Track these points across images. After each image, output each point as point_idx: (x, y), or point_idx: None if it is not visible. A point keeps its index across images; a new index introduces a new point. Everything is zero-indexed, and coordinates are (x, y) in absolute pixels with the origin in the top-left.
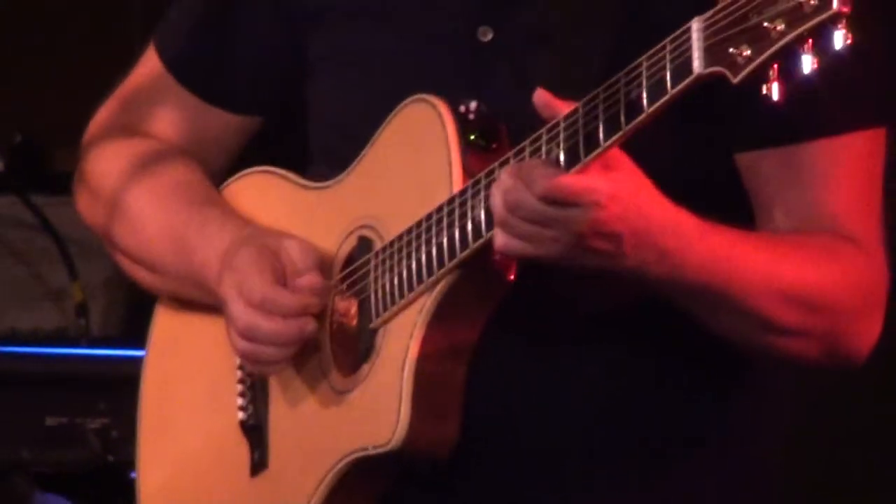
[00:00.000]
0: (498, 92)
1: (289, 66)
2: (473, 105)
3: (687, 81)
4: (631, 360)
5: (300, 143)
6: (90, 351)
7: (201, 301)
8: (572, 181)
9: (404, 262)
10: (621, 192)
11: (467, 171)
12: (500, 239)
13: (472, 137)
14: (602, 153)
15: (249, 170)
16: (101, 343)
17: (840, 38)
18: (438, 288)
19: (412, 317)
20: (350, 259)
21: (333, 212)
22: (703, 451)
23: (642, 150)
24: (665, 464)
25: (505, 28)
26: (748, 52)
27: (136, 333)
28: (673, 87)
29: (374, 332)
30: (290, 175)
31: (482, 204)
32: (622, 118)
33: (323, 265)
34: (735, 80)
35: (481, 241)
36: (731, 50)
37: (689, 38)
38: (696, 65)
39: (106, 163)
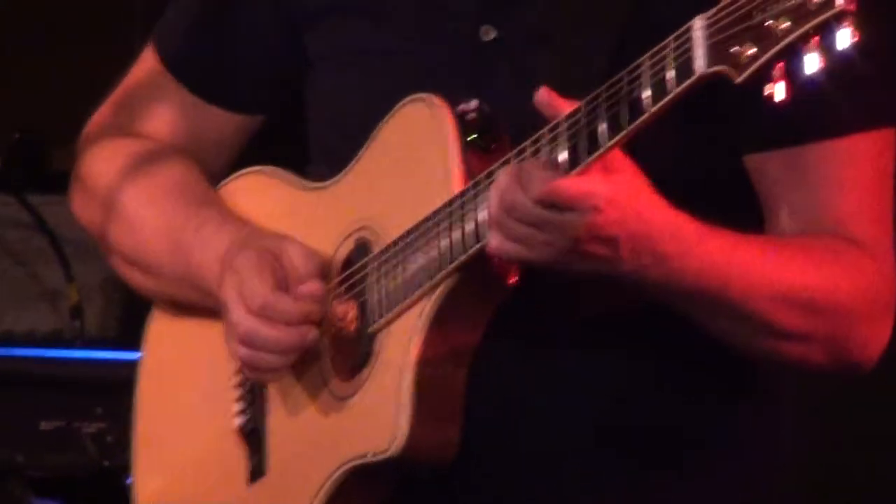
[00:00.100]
0: (499, 91)
1: (289, 64)
2: (474, 104)
3: (690, 81)
4: (630, 364)
5: (299, 142)
6: (85, 354)
7: (198, 304)
8: (569, 185)
9: (403, 265)
10: (620, 196)
11: (467, 172)
12: (495, 240)
13: (472, 138)
14: (604, 154)
15: (246, 170)
16: (96, 346)
17: (846, 37)
18: (438, 291)
19: (411, 321)
20: (348, 262)
21: (331, 213)
22: (703, 455)
23: (644, 152)
24: (665, 468)
25: (507, 27)
26: (752, 50)
27: (133, 336)
28: (675, 86)
29: (374, 336)
30: (288, 175)
31: (482, 206)
32: (624, 118)
33: (323, 269)
34: (738, 80)
35: (481, 243)
36: (734, 49)
37: (691, 37)
38: (699, 64)
39: (101, 163)
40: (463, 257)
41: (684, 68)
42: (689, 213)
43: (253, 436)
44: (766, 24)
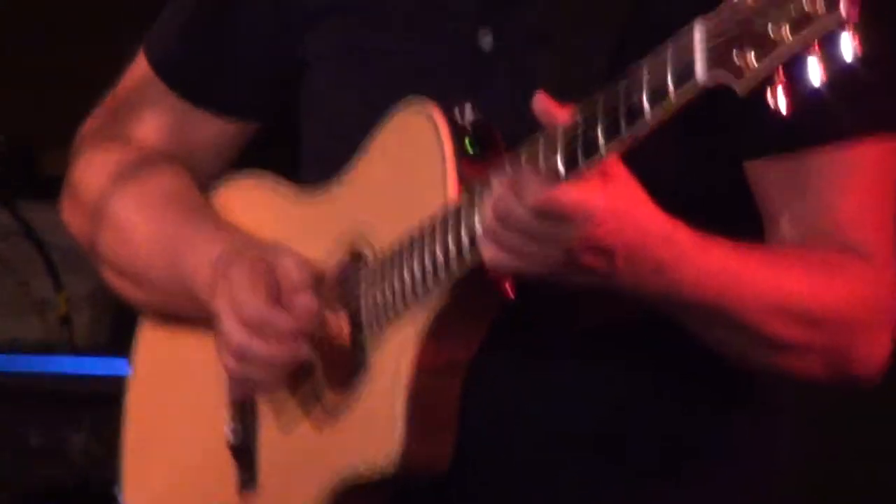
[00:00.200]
0: (498, 94)
1: (284, 68)
2: (469, 110)
3: (688, 87)
4: (628, 374)
5: (291, 146)
6: (74, 366)
7: (190, 314)
8: (564, 195)
9: (397, 275)
10: (616, 206)
11: (462, 180)
12: (489, 251)
13: (467, 145)
14: (600, 162)
15: (237, 175)
16: (85, 357)
17: (849, 44)
18: (433, 302)
19: (405, 333)
20: (341, 271)
21: (324, 221)
22: (700, 465)
23: (642, 162)
24: (662, 477)
25: (505, 29)
26: (752, 57)
27: (122, 346)
28: (674, 92)
29: (366, 348)
30: (280, 181)
31: (477, 215)
32: (622, 124)
33: (317, 280)
34: (738, 87)
35: (475, 253)
36: (734, 55)
37: (690, 41)
38: (699, 69)
39: (91, 171)
40: (457, 267)
41: (683, 74)
42: (688, 225)
43: (243, 449)
44: (767, 29)
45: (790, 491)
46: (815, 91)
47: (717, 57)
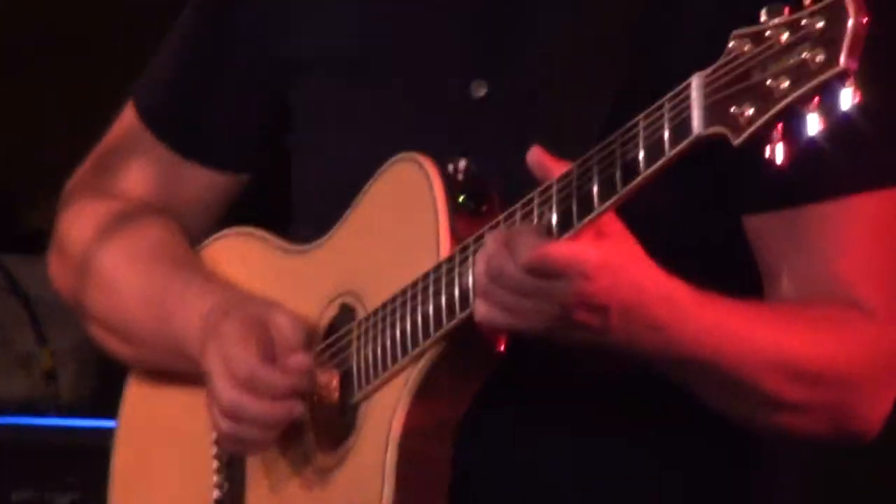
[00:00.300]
0: (490, 149)
1: (274, 119)
2: (462, 164)
3: (686, 142)
4: (623, 434)
5: (282, 200)
6: (59, 421)
7: (179, 370)
8: (558, 251)
9: (388, 332)
10: (612, 263)
11: (455, 236)
12: (481, 309)
13: (461, 200)
14: (596, 217)
15: (226, 230)
16: (70, 412)
17: (848, 97)
18: (424, 360)
19: (396, 391)
20: (332, 327)
21: (315, 277)
22: None
23: (638, 216)
24: None
25: (499, 82)
26: (750, 111)
27: (108, 403)
28: (671, 147)
29: (357, 405)
30: (270, 236)
31: (470, 271)
32: (618, 180)
33: (308, 337)
34: (736, 142)
35: (468, 310)
36: (732, 109)
37: (688, 96)
38: (696, 125)
39: (78, 225)
40: (449, 325)
41: (681, 129)
42: (685, 279)
43: None
44: (766, 83)
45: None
46: (814, 144)
47: (715, 112)
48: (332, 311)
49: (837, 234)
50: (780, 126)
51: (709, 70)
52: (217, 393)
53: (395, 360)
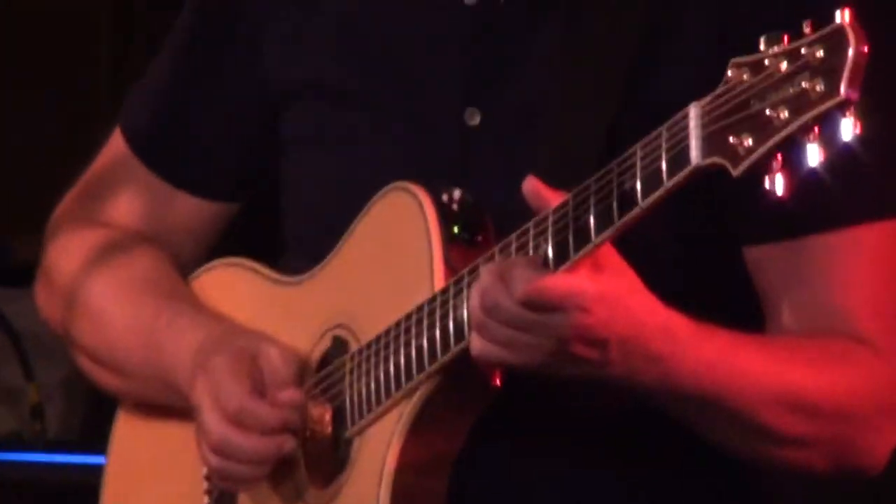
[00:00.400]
0: (485, 178)
1: (263, 148)
2: (457, 194)
3: (684, 172)
4: (621, 469)
5: (274, 230)
6: (46, 457)
7: (169, 404)
8: (554, 284)
9: (381, 366)
10: (609, 295)
11: (450, 267)
12: (477, 344)
13: (456, 230)
14: (593, 250)
15: (216, 261)
16: (58, 448)
17: (848, 127)
18: (418, 394)
19: (390, 425)
20: (324, 360)
21: (307, 309)
22: None
23: (635, 247)
24: None
25: (493, 110)
26: (749, 141)
27: (97, 438)
28: (669, 178)
29: (350, 440)
30: (261, 267)
31: (464, 303)
32: (615, 211)
33: (300, 371)
34: (735, 172)
35: (463, 344)
36: (731, 139)
37: (686, 126)
38: (694, 155)
39: (66, 255)
40: (444, 359)
41: (678, 159)
42: (684, 312)
43: None
44: (765, 113)
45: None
46: (815, 175)
47: (714, 142)
48: (325, 344)
49: (838, 266)
50: (779, 156)
51: (707, 99)
52: (206, 427)
53: (388, 394)
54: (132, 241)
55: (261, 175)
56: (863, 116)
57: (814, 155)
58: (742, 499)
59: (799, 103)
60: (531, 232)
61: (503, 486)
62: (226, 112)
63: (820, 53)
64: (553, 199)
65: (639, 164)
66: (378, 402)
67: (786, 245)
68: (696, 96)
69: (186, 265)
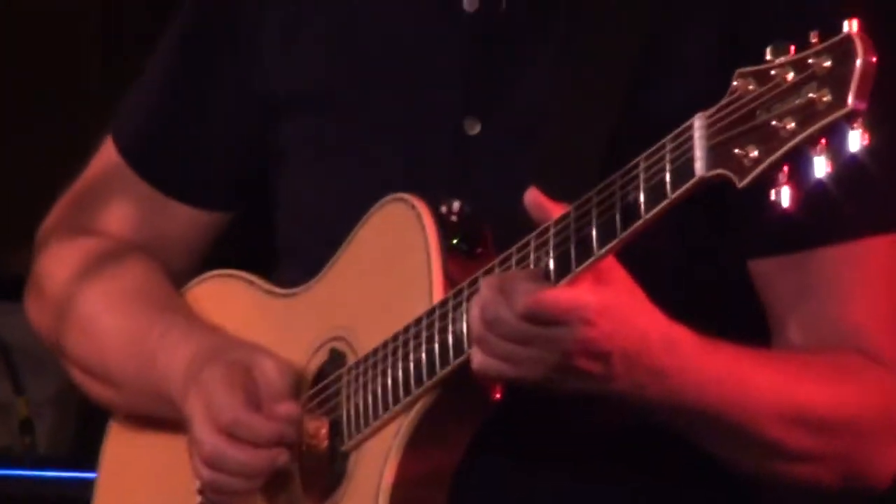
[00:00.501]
0: (484, 189)
1: (257, 157)
2: (456, 206)
3: (688, 184)
4: (622, 486)
5: (269, 241)
6: (36, 472)
7: (162, 416)
8: (556, 297)
9: (379, 380)
10: (612, 308)
11: (449, 280)
12: (477, 358)
13: (455, 242)
14: (595, 262)
15: (210, 273)
16: (48, 464)
17: (856, 139)
18: (416, 408)
19: (387, 440)
20: (321, 374)
21: (303, 321)
22: None
23: (639, 260)
24: None
25: (493, 120)
26: (755, 152)
27: (88, 454)
28: (673, 190)
29: (347, 455)
30: (255, 279)
31: (464, 317)
32: (618, 223)
33: (296, 384)
34: (741, 184)
35: (463, 357)
36: (736, 150)
37: (690, 137)
38: (699, 166)
39: (56, 265)
40: (442, 373)
41: (683, 171)
42: (688, 325)
43: None
44: (771, 124)
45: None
46: (822, 187)
47: (719, 154)
48: (321, 357)
49: (846, 279)
50: (786, 168)
51: (712, 110)
52: (198, 440)
53: (386, 408)
54: (124, 251)
55: (255, 184)
56: (871, 128)
57: (821, 167)
58: None
59: (806, 114)
60: (532, 244)
61: (502, 501)
62: (220, 120)
63: (827, 63)
64: (555, 210)
65: (642, 175)
66: (376, 415)
67: (792, 258)
68: (700, 107)
69: (179, 275)
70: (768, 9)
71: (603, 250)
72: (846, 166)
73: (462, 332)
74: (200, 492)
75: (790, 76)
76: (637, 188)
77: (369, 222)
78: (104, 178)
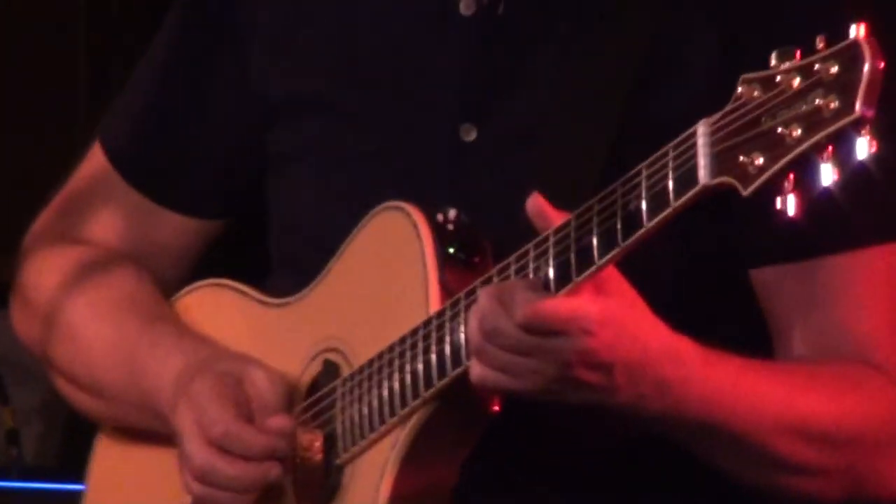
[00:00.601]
0: (482, 197)
1: (250, 163)
2: (453, 214)
3: (692, 193)
4: (626, 493)
5: (261, 249)
6: (22, 484)
7: (151, 430)
8: (556, 307)
9: (375, 391)
10: (614, 318)
11: (445, 289)
12: (475, 370)
13: (451, 251)
14: (596, 272)
15: (201, 282)
16: (34, 475)
17: (864, 146)
18: (413, 421)
19: (383, 453)
20: (315, 385)
21: (296, 331)
22: None
23: (640, 269)
24: None
25: (490, 126)
26: (760, 160)
27: (75, 465)
28: (676, 198)
29: (341, 468)
30: (247, 289)
31: (461, 327)
32: (619, 233)
33: (289, 396)
34: (745, 192)
35: (460, 369)
36: (741, 158)
37: (694, 144)
38: (702, 174)
39: (43, 274)
40: (440, 384)
41: (686, 178)
42: (691, 336)
43: None
44: (777, 131)
45: None
46: (827, 195)
47: (723, 161)
48: (315, 368)
49: (852, 289)
50: (791, 176)
51: (716, 116)
52: (188, 454)
53: (382, 420)
54: (112, 260)
55: (247, 192)
56: (879, 135)
57: (827, 175)
58: None
59: (812, 121)
60: (531, 253)
61: None
62: (211, 126)
63: (834, 69)
64: (557, 218)
65: (644, 183)
66: (371, 428)
67: (797, 266)
68: (702, 113)
69: (168, 284)
70: (770, 13)
71: (604, 260)
72: (853, 174)
73: (460, 342)
74: None
75: (796, 82)
76: (639, 196)
77: (364, 231)
78: (92, 184)
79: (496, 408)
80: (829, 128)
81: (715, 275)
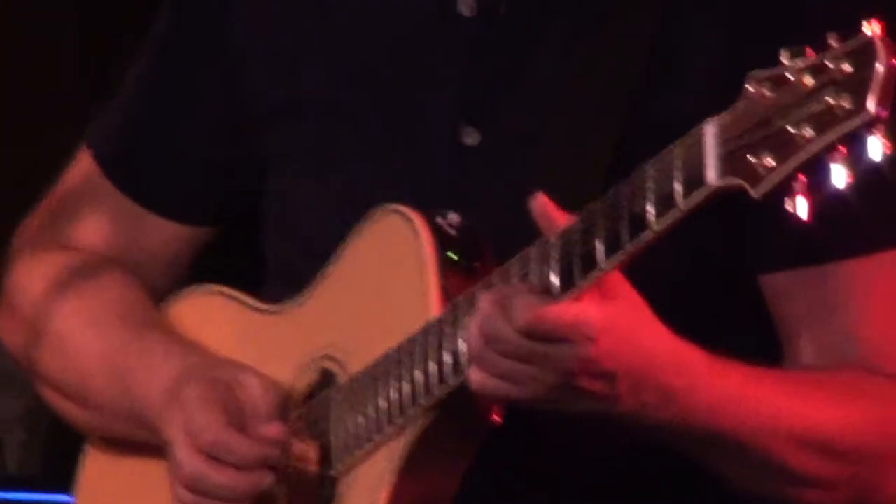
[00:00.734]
0: (483, 200)
1: (242, 168)
2: (453, 217)
3: (700, 194)
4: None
5: (255, 254)
6: (5, 495)
7: (141, 440)
8: (558, 313)
9: (372, 400)
10: (618, 325)
11: (445, 295)
12: (476, 377)
13: (452, 255)
14: (600, 276)
15: (193, 288)
16: (17, 484)
17: (876, 146)
18: (410, 431)
19: (380, 464)
20: (310, 394)
21: (291, 339)
22: None
23: (645, 273)
24: None
25: (491, 128)
26: (770, 160)
27: (59, 475)
28: (683, 200)
29: (336, 480)
30: (241, 295)
31: (462, 333)
32: (624, 235)
33: (282, 404)
34: (755, 194)
35: (461, 376)
36: (750, 158)
37: (702, 144)
38: (710, 175)
39: (30, 280)
40: (439, 392)
41: (693, 180)
42: (697, 344)
43: None
44: (787, 130)
45: None
46: (839, 198)
47: (732, 162)
48: (311, 376)
49: (862, 296)
50: (802, 177)
51: (724, 115)
52: (178, 463)
53: (379, 430)
54: (101, 266)
55: (240, 197)
56: (892, 135)
57: (839, 176)
58: None
59: (824, 121)
60: (533, 257)
61: None
62: (202, 130)
63: (847, 68)
64: (562, 219)
65: (651, 185)
66: (368, 438)
67: (807, 272)
68: (705, 113)
69: (158, 291)
70: (776, 10)
71: (608, 264)
72: (866, 175)
73: (460, 349)
74: None
75: (807, 81)
76: (645, 198)
77: (362, 235)
78: (80, 189)
79: (496, 418)
80: (841, 128)
81: (721, 279)
